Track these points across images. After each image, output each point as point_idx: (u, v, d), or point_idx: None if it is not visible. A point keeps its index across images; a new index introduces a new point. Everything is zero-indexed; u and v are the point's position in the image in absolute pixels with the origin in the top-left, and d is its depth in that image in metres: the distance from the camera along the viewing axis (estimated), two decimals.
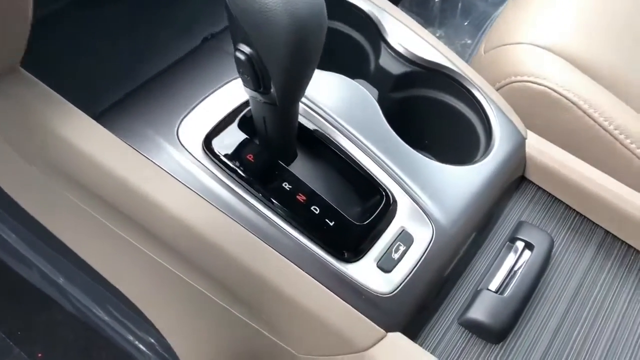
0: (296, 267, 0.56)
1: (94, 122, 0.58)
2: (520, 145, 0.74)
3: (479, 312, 0.62)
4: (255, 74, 0.51)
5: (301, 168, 0.62)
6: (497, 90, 0.85)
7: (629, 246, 0.72)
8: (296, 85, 0.52)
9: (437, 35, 1.57)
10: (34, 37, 0.61)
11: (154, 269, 0.62)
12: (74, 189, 0.60)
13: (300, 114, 0.65)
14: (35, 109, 0.56)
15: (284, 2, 0.45)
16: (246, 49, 0.50)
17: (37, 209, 0.72)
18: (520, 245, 0.67)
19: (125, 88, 0.65)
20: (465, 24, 1.53)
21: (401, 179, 0.64)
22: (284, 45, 0.46)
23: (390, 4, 0.80)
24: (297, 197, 0.59)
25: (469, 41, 1.53)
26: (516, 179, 0.75)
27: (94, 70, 0.67)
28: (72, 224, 0.70)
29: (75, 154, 0.57)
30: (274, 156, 0.61)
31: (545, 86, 0.81)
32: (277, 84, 0.51)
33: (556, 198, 0.75)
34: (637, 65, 0.90)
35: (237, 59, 0.51)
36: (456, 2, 1.58)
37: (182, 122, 0.61)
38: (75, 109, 0.58)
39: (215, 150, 0.59)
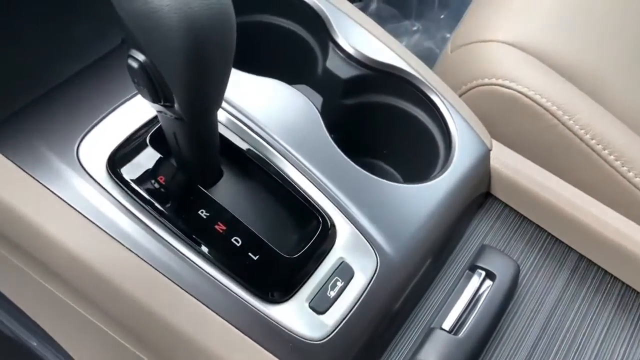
0: (210, 310, 0.48)
1: None
2: (483, 157, 0.65)
3: (430, 355, 0.54)
4: (152, 85, 0.42)
5: (224, 191, 0.54)
6: (463, 94, 0.76)
7: (606, 272, 0.64)
8: (201, 97, 0.43)
9: (415, 28, 1.48)
10: None
11: (60, 305, 0.54)
12: None
13: (225, 126, 0.57)
14: None
15: (174, 0, 0.37)
16: (139, 55, 0.42)
17: None
18: (480, 274, 0.59)
19: (26, 96, 0.56)
20: (442, 17, 1.44)
21: (342, 201, 0.56)
22: (178, 52, 0.38)
23: None
24: (216, 226, 0.51)
25: (447, 35, 1.44)
26: (479, 196, 0.66)
27: None
28: None
29: None
30: (191, 178, 0.53)
31: (515, 90, 0.73)
32: (178, 97, 0.42)
33: (525, 217, 0.67)
34: (622, 68, 0.82)
35: (130, 67, 0.42)
36: None
37: (84, 139, 0.53)
38: None
39: (121, 173, 0.51)
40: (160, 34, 0.38)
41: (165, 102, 0.43)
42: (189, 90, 0.42)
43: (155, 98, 0.43)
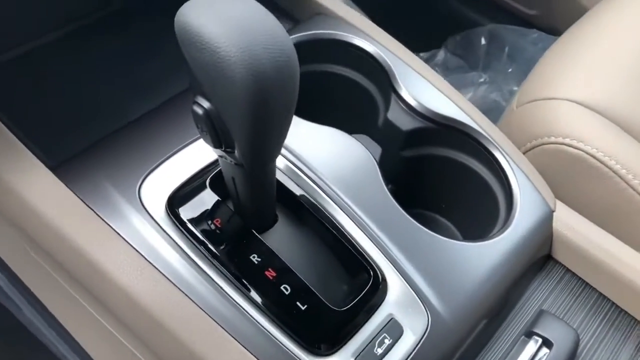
0: (255, 358, 0.48)
1: (46, 170, 0.53)
2: (546, 218, 0.63)
3: None
4: (215, 132, 0.43)
5: (277, 237, 0.54)
6: (527, 151, 0.74)
7: None
8: (262, 147, 0.44)
9: (481, 80, 1.46)
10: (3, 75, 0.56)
11: (109, 337, 0.55)
12: (24, 238, 0.55)
13: (283, 172, 0.57)
14: None
15: (241, 52, 0.37)
16: (204, 102, 0.42)
17: (4, 254, 0.67)
18: (537, 341, 0.56)
19: (100, 133, 0.59)
20: (509, 70, 1.42)
21: (395, 255, 0.55)
22: (243, 103, 0.39)
23: (406, 50, 0.71)
24: (266, 272, 0.51)
25: (515, 88, 1.42)
26: (540, 259, 0.64)
27: (70, 111, 0.61)
28: (35, 275, 0.64)
29: (20, 204, 0.52)
30: (246, 222, 0.53)
31: (582, 150, 0.70)
32: (240, 145, 0.43)
33: (587, 284, 0.63)
34: None
35: (194, 113, 0.43)
36: (502, 46, 1.47)
37: (147, 178, 0.54)
38: (28, 153, 0.54)
39: (179, 214, 0.52)
40: (226, 84, 0.38)
41: (226, 148, 0.44)
42: (251, 139, 0.42)
43: (217, 144, 0.44)
